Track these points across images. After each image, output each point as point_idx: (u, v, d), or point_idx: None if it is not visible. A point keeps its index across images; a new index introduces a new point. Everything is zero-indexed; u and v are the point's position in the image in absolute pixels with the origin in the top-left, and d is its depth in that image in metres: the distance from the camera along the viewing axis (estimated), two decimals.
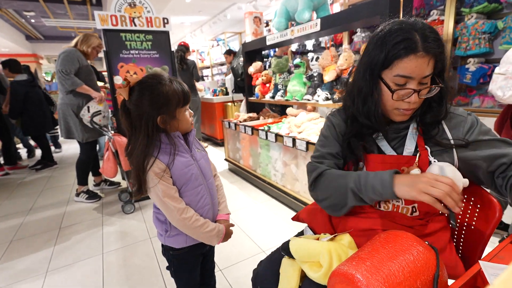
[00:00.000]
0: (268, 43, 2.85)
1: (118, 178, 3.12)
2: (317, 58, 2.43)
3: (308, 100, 2.42)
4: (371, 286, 0.40)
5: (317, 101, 2.27)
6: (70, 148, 5.28)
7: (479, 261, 0.58)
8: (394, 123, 0.79)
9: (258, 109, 3.51)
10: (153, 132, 0.87)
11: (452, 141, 0.74)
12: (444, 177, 0.62)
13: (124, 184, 3.10)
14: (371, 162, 0.78)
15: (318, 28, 2.15)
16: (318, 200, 0.82)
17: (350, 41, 3.77)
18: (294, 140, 2.09)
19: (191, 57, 7.53)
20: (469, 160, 0.73)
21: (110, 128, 2.61)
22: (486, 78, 2.56)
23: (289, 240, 0.76)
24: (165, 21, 2.74)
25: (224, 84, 5.18)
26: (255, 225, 2.11)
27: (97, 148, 3.26)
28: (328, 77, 2.15)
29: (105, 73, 3.60)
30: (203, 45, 9.38)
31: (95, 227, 2.23)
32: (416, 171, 0.71)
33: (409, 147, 0.77)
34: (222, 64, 8.21)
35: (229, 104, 4.59)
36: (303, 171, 2.16)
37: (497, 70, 1.67)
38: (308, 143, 1.96)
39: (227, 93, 4.82)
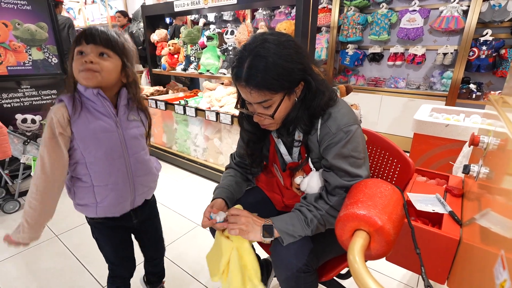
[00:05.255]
0: (176, 9, 2.63)
1: None
2: (232, 32, 2.44)
3: (224, 74, 2.44)
4: (378, 217, 0.54)
5: None
6: None
7: (407, 193, 0.83)
8: (281, 129, 0.83)
9: (162, 82, 3.26)
10: (71, 77, 0.80)
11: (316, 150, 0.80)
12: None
13: None
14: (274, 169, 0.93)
15: (235, 1, 2.16)
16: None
17: (252, 17, 3.92)
18: (217, 114, 2.11)
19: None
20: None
21: None
22: (359, 61, 3.23)
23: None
24: None
25: None
26: (182, 202, 2.08)
27: None
28: None
29: None
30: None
31: None
32: (298, 179, 0.86)
33: (294, 153, 0.85)
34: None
35: None
36: (227, 144, 2.23)
37: None
38: (233, 116, 2.02)
39: None
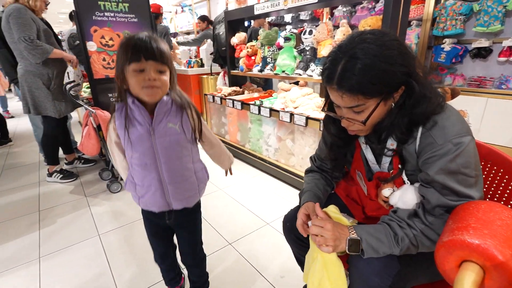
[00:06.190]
0: (256, 12, 2.72)
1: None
2: (310, 32, 2.39)
3: (299, 74, 2.41)
4: (498, 251, 0.45)
5: (311, 76, 2.28)
6: (19, 124, 4.68)
7: None
8: (371, 135, 0.77)
9: (239, 83, 3.41)
10: (121, 87, 0.84)
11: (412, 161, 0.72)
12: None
13: (101, 161, 2.87)
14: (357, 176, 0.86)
15: None
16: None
17: (331, 15, 3.77)
18: (291, 115, 2.10)
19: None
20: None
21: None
22: (458, 58, 2.78)
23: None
24: None
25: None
26: (253, 199, 2.14)
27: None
28: (325, 51, 2.15)
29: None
30: (165, 10, 8.61)
31: (80, 208, 2.06)
32: (387, 191, 0.76)
33: (384, 163, 0.78)
34: (188, 33, 7.69)
35: (204, 76, 4.38)
36: (299, 146, 2.20)
37: None
38: (308, 118, 1.98)
39: (202, 65, 4.57)
